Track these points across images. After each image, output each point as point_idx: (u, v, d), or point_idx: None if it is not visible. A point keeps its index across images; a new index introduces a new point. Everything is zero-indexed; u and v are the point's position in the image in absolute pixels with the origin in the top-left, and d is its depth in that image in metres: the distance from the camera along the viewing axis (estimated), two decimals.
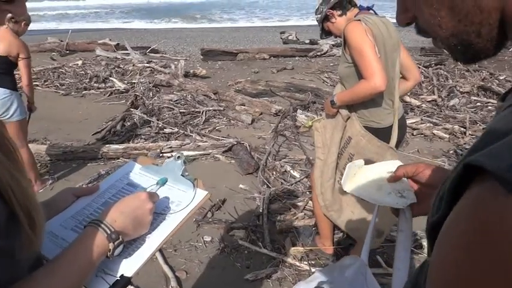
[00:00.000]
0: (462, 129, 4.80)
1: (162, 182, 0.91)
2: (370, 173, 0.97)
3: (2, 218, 0.50)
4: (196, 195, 0.89)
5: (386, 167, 0.95)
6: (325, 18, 2.21)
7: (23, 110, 3.36)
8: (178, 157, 0.93)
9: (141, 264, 0.76)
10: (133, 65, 8.20)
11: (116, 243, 0.72)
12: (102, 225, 0.72)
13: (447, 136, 4.69)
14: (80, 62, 8.55)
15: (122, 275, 0.74)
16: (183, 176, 0.92)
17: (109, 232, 0.72)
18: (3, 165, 0.53)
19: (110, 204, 0.78)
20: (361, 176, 0.97)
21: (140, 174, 0.96)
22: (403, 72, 2.21)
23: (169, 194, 0.89)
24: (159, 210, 0.84)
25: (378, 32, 1.95)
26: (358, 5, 2.19)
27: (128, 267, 0.75)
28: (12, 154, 0.56)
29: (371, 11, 2.16)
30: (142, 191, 0.81)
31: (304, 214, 3.06)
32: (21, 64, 3.27)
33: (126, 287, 0.73)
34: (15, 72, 3.39)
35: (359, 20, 1.96)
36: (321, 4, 2.21)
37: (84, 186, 2.93)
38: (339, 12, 2.16)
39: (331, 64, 8.95)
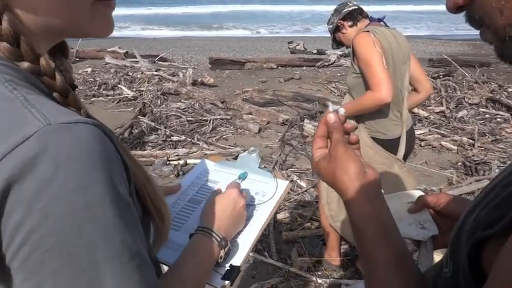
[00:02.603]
0: (471, 141, 4.76)
1: (244, 176, 0.93)
2: (390, 203, 0.97)
3: (139, 213, 0.51)
4: (279, 185, 0.91)
5: (406, 197, 0.93)
6: (336, 29, 2.23)
7: None
8: (253, 150, 0.96)
9: (247, 253, 0.80)
10: (141, 73, 8.27)
11: (226, 249, 0.74)
12: (214, 235, 0.74)
13: (455, 148, 4.66)
14: (89, 70, 8.65)
15: (231, 264, 0.76)
16: (260, 168, 0.94)
17: (219, 240, 0.74)
18: (137, 164, 0.54)
19: (207, 210, 0.79)
20: None
21: (216, 171, 0.98)
22: (414, 84, 2.21)
23: (253, 187, 0.92)
24: (248, 202, 0.86)
25: (386, 43, 1.95)
26: (369, 16, 2.20)
27: (235, 257, 0.79)
28: (127, 149, 0.58)
29: (381, 23, 2.17)
30: (231, 189, 0.82)
31: (311, 224, 3.04)
32: None
33: (237, 275, 0.75)
34: None
35: (368, 31, 1.97)
36: (333, 15, 2.23)
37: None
38: (350, 23, 2.18)
39: (339, 74, 8.96)
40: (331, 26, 2.26)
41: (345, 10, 2.18)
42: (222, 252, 0.73)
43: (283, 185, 0.92)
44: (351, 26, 2.18)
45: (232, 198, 0.79)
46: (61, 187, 0.38)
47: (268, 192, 0.90)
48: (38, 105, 0.41)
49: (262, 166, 0.95)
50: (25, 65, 0.46)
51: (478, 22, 0.44)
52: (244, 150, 4.28)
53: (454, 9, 0.45)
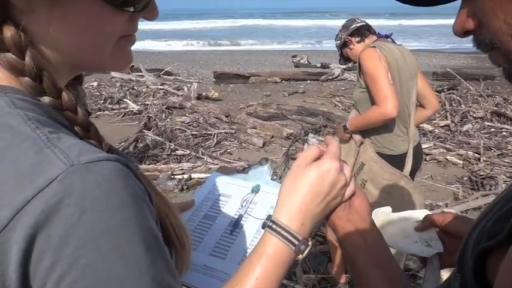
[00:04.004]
0: (476, 155, 4.73)
1: (257, 189, 0.93)
2: (397, 220, 0.97)
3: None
4: None
5: (413, 216, 0.95)
6: (344, 45, 2.25)
7: None
8: (265, 161, 0.95)
9: None
10: (147, 87, 8.34)
11: (305, 253, 0.60)
12: (290, 237, 0.59)
13: (461, 162, 4.63)
14: (95, 83, 8.74)
15: None
16: (273, 180, 0.93)
17: (297, 243, 0.59)
18: (159, 193, 0.54)
19: (288, 191, 0.62)
20: (387, 223, 0.97)
21: (229, 184, 0.97)
22: (421, 101, 2.21)
23: (266, 200, 0.91)
24: (262, 217, 0.85)
25: (392, 59, 1.96)
26: (376, 33, 2.22)
27: None
28: (148, 179, 0.58)
29: (389, 39, 2.18)
30: (329, 160, 0.62)
31: (316, 240, 3.01)
32: None
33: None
34: None
35: (374, 46, 1.99)
36: (341, 31, 2.25)
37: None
38: (357, 39, 2.19)
39: (343, 88, 9.00)
40: (338, 42, 2.28)
41: (353, 26, 2.20)
42: (300, 257, 0.60)
43: None
44: (358, 42, 2.19)
45: (331, 175, 0.61)
46: (88, 230, 0.38)
47: None
48: (60, 144, 0.41)
49: (274, 178, 0.95)
50: (47, 99, 0.46)
51: (488, 46, 0.44)
52: (248, 165, 4.29)
53: (462, 33, 0.46)
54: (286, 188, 0.63)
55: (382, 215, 0.98)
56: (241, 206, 0.91)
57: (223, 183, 0.98)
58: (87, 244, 0.38)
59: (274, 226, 0.60)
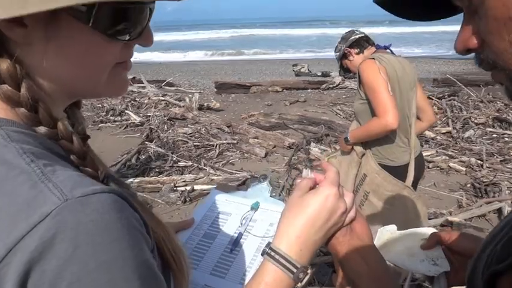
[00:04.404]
0: (479, 161, 4.72)
1: (256, 207, 0.93)
2: (402, 238, 0.96)
3: (159, 267, 0.50)
4: None
5: (419, 234, 0.94)
6: (343, 56, 2.26)
7: None
8: (264, 178, 0.96)
9: None
10: (148, 98, 8.38)
11: (304, 281, 0.63)
12: (288, 265, 0.59)
13: (464, 169, 4.62)
14: None
15: None
16: (272, 197, 0.93)
17: (295, 271, 0.59)
18: (155, 219, 0.55)
19: (287, 220, 0.62)
20: (393, 241, 0.96)
21: (228, 202, 0.98)
22: (417, 113, 2.22)
23: (265, 217, 0.91)
24: (262, 234, 0.86)
25: (392, 70, 1.97)
26: (375, 44, 2.23)
27: None
28: (145, 205, 0.58)
29: (388, 50, 2.20)
30: (328, 187, 0.62)
31: (320, 251, 3.00)
32: None
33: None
34: None
35: (373, 58, 2.00)
36: (340, 42, 2.27)
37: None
38: (357, 51, 2.21)
39: (344, 96, 9.01)
40: (338, 54, 2.29)
41: (352, 38, 2.21)
42: (300, 285, 0.63)
43: None
44: (357, 54, 2.21)
45: (329, 201, 0.61)
46: (82, 265, 0.39)
47: None
48: (54, 178, 0.41)
49: (273, 194, 0.96)
50: (43, 130, 0.47)
51: (491, 65, 0.44)
52: (251, 176, 4.30)
53: (464, 51, 0.45)
54: (286, 216, 0.63)
55: (387, 233, 0.98)
56: (241, 223, 0.92)
57: (223, 200, 0.99)
58: (81, 279, 0.38)
59: (272, 253, 0.60)
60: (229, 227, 0.91)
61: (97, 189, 0.42)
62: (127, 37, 0.49)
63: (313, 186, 0.65)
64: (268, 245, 0.62)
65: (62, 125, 0.48)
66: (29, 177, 0.41)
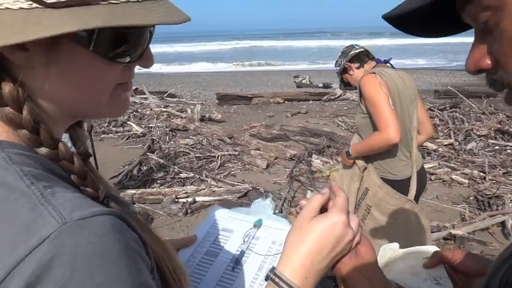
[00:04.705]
0: (481, 174, 4.70)
1: (259, 224, 0.93)
2: (405, 257, 0.96)
3: (159, 286, 0.51)
4: None
5: (422, 252, 0.93)
6: (343, 70, 2.27)
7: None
8: (266, 196, 0.95)
9: None
10: (150, 109, 8.41)
11: None
12: None
13: (466, 181, 4.59)
14: None
15: None
16: (275, 214, 0.94)
17: None
18: (155, 238, 0.55)
19: (293, 245, 0.61)
20: (395, 260, 0.96)
21: (231, 219, 0.97)
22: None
23: (268, 235, 0.91)
24: (264, 252, 0.85)
25: (392, 85, 1.98)
26: (375, 58, 2.25)
27: None
28: (145, 223, 0.57)
29: (388, 64, 2.21)
30: (337, 213, 0.62)
31: None
32: None
33: None
34: None
35: (374, 72, 2.01)
36: (340, 57, 2.28)
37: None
38: (357, 65, 2.22)
39: (345, 108, 9.03)
40: (338, 68, 2.30)
41: (352, 52, 2.23)
42: None
43: None
44: (358, 68, 2.22)
45: (337, 229, 0.60)
46: (79, 287, 0.39)
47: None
48: (54, 200, 0.42)
49: (276, 211, 0.95)
50: (44, 151, 0.47)
51: (503, 86, 0.43)
52: (252, 188, 4.28)
53: (475, 71, 0.44)
54: (291, 240, 0.62)
55: (390, 251, 0.97)
56: (244, 241, 0.91)
57: (226, 217, 0.98)
58: None
59: (276, 279, 0.59)
60: (231, 244, 0.91)
61: (95, 211, 0.42)
62: (127, 59, 0.50)
63: (325, 205, 0.64)
64: (273, 270, 0.61)
65: (62, 146, 0.48)
66: (29, 200, 0.41)
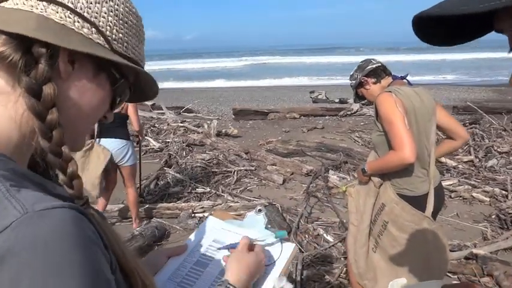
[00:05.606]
0: (503, 192, 4.59)
1: (282, 236, 0.93)
2: None
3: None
4: (284, 249, 0.91)
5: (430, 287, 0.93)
6: (359, 85, 2.27)
7: (135, 156, 3.92)
8: (259, 210, 0.96)
9: None
10: (167, 124, 8.54)
11: None
12: None
13: (488, 199, 4.48)
14: None
15: None
16: (267, 229, 0.94)
17: None
18: (117, 240, 0.57)
19: (234, 264, 0.81)
20: None
21: (223, 230, 0.98)
22: (449, 134, 2.22)
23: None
24: None
25: (408, 103, 1.97)
26: (392, 74, 2.24)
27: None
28: (108, 224, 0.60)
29: (404, 81, 2.20)
30: (257, 248, 0.86)
31: (340, 282, 2.93)
32: (130, 111, 3.75)
33: None
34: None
35: (390, 91, 2.01)
36: (356, 71, 2.28)
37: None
38: (373, 80, 2.22)
39: (362, 123, 8.98)
40: (354, 82, 2.30)
41: (369, 67, 2.22)
42: None
43: (288, 248, 0.91)
44: (374, 83, 2.22)
45: (258, 258, 0.83)
46: (38, 273, 0.40)
47: (274, 255, 0.89)
48: (18, 195, 0.44)
49: (269, 226, 0.95)
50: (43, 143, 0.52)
51: None
52: (268, 203, 4.27)
53: None
54: (236, 261, 0.83)
55: (398, 287, 0.97)
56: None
57: (219, 228, 0.99)
58: (37, 285, 0.40)
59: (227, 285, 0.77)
60: (221, 256, 0.91)
61: (57, 204, 0.44)
62: (119, 98, 0.63)
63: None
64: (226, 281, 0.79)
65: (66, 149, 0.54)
66: None
